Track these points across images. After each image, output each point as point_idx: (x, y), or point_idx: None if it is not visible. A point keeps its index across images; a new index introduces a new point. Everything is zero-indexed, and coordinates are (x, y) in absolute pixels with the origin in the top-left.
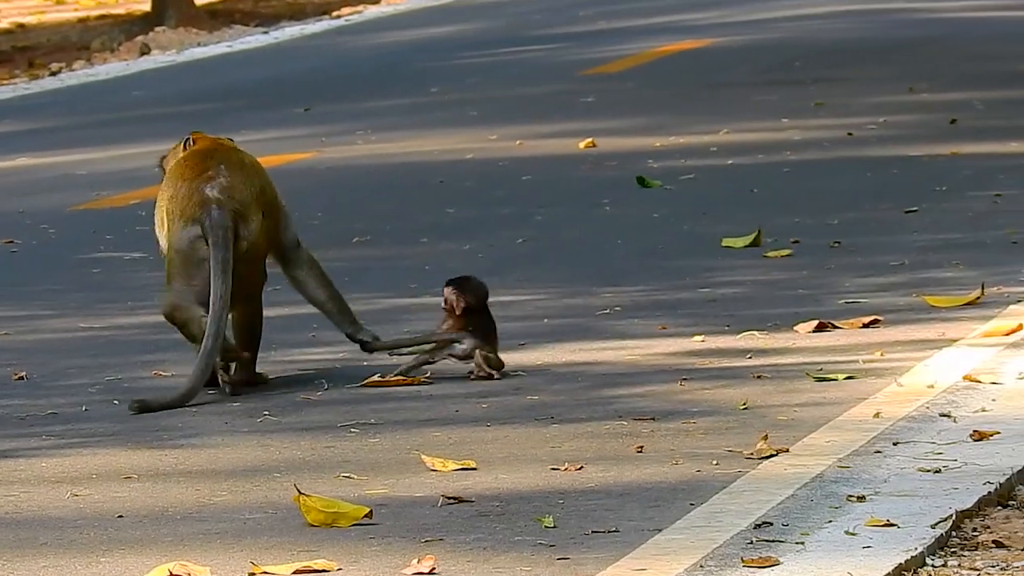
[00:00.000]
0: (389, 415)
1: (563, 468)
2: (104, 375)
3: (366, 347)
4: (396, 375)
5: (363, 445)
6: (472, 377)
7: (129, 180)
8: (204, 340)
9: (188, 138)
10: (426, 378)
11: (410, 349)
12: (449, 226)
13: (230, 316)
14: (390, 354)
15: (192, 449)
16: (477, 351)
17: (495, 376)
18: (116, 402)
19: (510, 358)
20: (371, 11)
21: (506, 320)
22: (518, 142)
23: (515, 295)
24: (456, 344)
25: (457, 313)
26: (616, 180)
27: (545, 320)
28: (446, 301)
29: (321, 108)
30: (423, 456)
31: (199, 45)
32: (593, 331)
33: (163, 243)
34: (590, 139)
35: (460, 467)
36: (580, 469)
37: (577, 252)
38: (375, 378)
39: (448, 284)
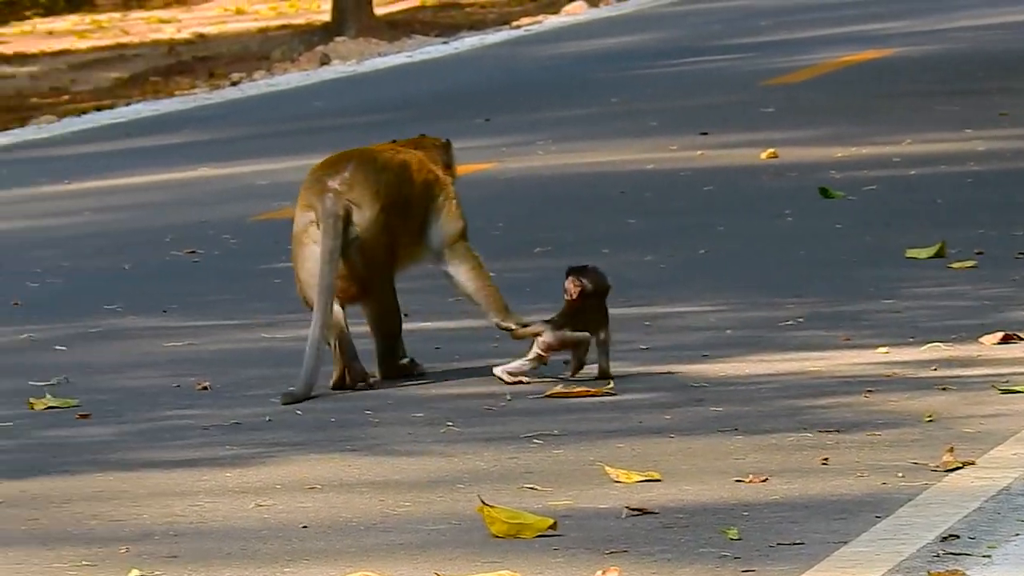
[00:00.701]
0: (572, 426)
1: (747, 480)
2: (286, 385)
3: (512, 334)
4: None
5: (547, 456)
6: (570, 376)
7: None
8: (311, 328)
9: (448, 142)
10: (609, 389)
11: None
12: (630, 237)
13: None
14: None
15: (376, 459)
16: (571, 342)
17: (585, 375)
18: (299, 412)
19: (693, 369)
20: (550, 21)
21: (687, 331)
22: (699, 152)
23: (696, 306)
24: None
25: (570, 298)
26: (798, 190)
27: (728, 331)
28: (565, 290)
29: (500, 119)
30: (607, 467)
31: (379, 55)
32: (775, 342)
33: None
34: (772, 149)
35: (644, 479)
36: (765, 481)
37: (759, 263)
38: (559, 388)
39: (569, 273)
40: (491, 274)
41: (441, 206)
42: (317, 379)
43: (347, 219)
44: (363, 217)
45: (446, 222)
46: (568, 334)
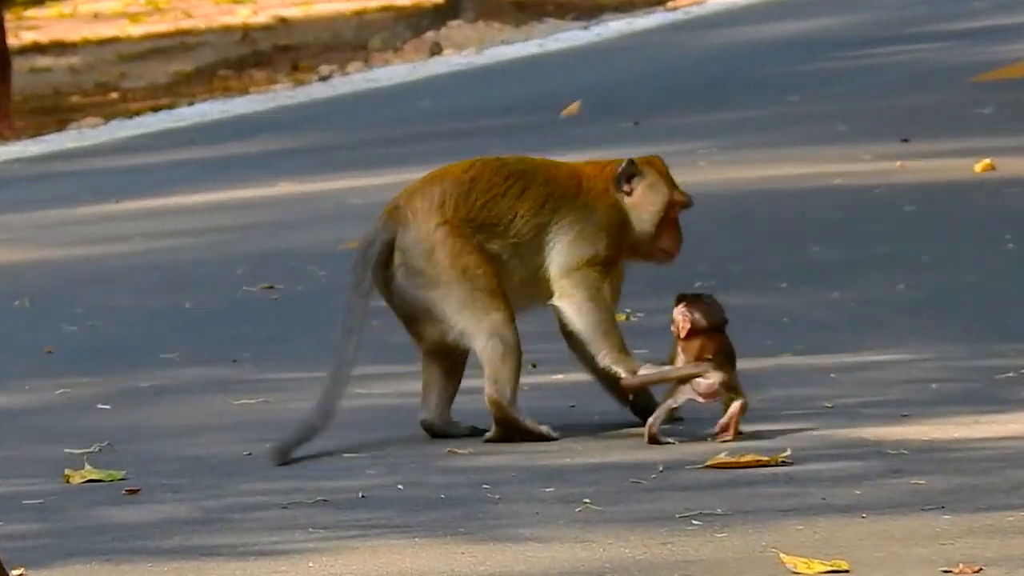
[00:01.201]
0: (739, 503)
1: (957, 570)
2: (385, 453)
3: (623, 385)
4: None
5: (708, 541)
6: (716, 433)
7: None
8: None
9: (628, 161)
10: (785, 457)
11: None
12: (813, 268)
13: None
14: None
15: (496, 545)
16: (723, 388)
17: (737, 432)
18: (400, 487)
19: (889, 433)
20: (713, 2)
21: (882, 386)
22: (898, 163)
23: (894, 354)
24: (699, 379)
25: (681, 336)
26: (1021, 211)
27: (933, 385)
28: (673, 322)
29: (654, 121)
30: (782, 554)
31: (503, 43)
32: (993, 399)
33: None
34: (987, 160)
35: (829, 569)
36: (979, 571)
37: (973, 300)
38: (722, 457)
39: (678, 302)
40: (613, 311)
41: (565, 229)
42: (316, 432)
43: (390, 243)
44: (409, 237)
45: (565, 248)
46: (734, 377)
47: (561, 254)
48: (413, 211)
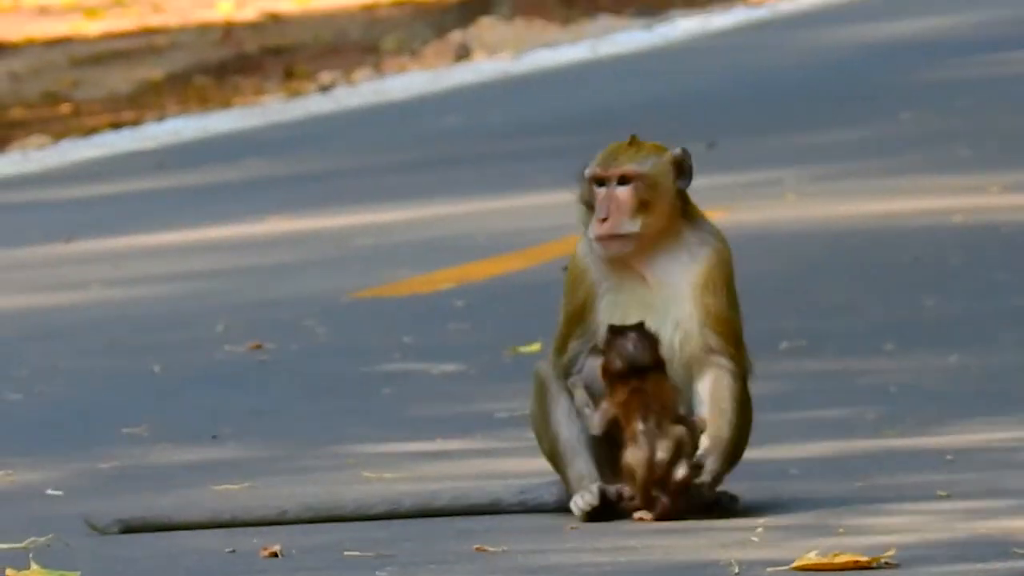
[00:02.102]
0: None
1: None
2: (396, 550)
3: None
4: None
5: None
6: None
7: (439, 252)
8: None
9: None
10: (889, 558)
11: None
12: (926, 326)
13: None
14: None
15: None
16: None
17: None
18: None
19: (1019, 527)
20: None
21: (1013, 469)
22: None
23: (1023, 431)
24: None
25: (606, 380)
26: None
27: None
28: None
29: (731, 143)
30: None
31: (546, 46)
32: None
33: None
34: None
35: None
36: None
37: None
38: (812, 558)
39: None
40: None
41: None
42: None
43: None
44: None
45: None
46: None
47: None
48: None
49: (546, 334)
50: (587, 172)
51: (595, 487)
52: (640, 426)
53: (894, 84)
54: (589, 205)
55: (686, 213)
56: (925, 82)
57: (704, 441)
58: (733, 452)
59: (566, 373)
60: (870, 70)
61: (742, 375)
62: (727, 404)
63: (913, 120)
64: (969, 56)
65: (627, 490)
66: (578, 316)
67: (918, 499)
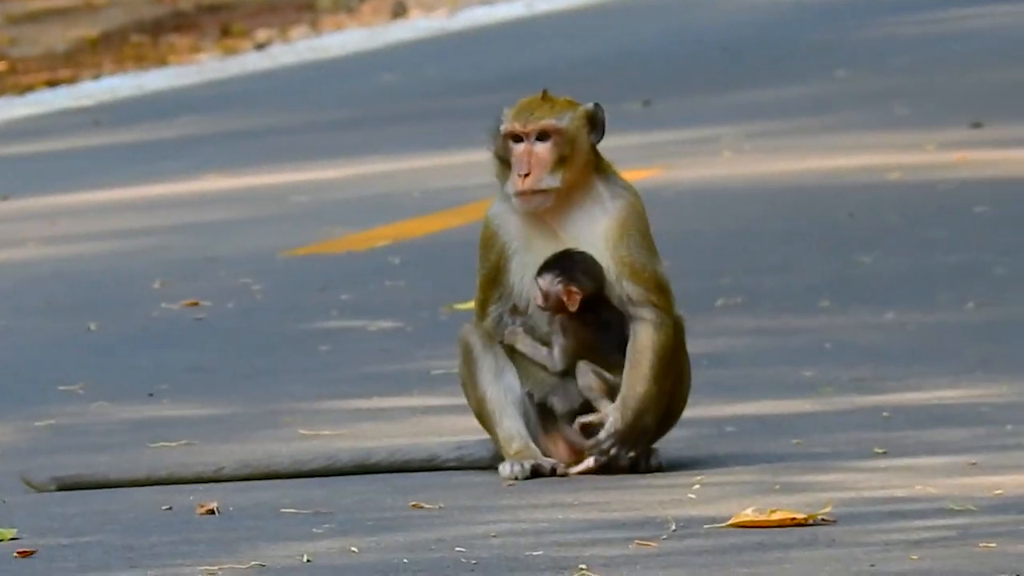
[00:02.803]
0: (769, 571)
1: None
2: (335, 508)
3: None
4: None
5: None
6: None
7: (375, 209)
8: None
9: None
10: (826, 514)
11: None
12: (863, 283)
13: None
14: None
15: None
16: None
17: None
18: (354, 550)
19: (955, 485)
20: None
21: (948, 427)
22: (962, 154)
23: (961, 388)
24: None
25: (571, 310)
26: None
27: (1008, 427)
28: (546, 298)
29: (667, 101)
30: None
31: (482, 3)
32: None
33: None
34: None
35: None
36: None
37: None
38: (748, 514)
39: (542, 271)
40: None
41: None
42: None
43: None
44: None
45: None
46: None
47: None
48: None
49: (475, 272)
50: (502, 128)
51: (528, 464)
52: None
53: (830, 42)
54: (504, 161)
55: (598, 167)
56: (861, 40)
57: (615, 403)
58: (656, 403)
59: (490, 335)
60: (806, 28)
61: (667, 324)
62: (644, 358)
63: (849, 78)
64: (905, 14)
65: (560, 466)
66: (493, 278)
67: (855, 456)
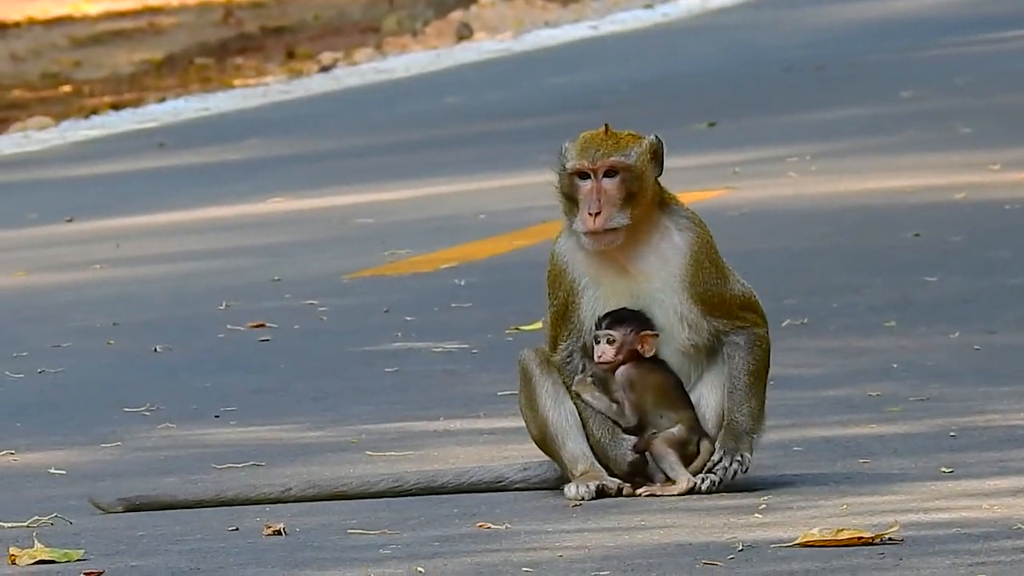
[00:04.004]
0: None
1: None
2: (401, 529)
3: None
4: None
5: None
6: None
7: (439, 231)
8: None
9: None
10: (893, 533)
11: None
12: (928, 303)
13: None
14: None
15: None
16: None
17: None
18: (420, 571)
19: (1022, 505)
20: None
21: (1017, 447)
22: (1022, 175)
23: None
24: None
25: (648, 355)
26: None
27: None
28: (617, 350)
29: (732, 122)
30: None
31: (547, 25)
32: None
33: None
34: None
35: None
36: None
37: None
38: (815, 534)
39: (613, 325)
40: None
41: None
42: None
43: None
44: None
45: None
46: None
47: None
48: None
49: (545, 309)
50: (567, 164)
51: (593, 485)
52: (658, 409)
53: (893, 62)
54: (568, 196)
55: (662, 200)
56: (925, 60)
57: (722, 432)
58: (760, 419)
59: (560, 372)
60: (870, 48)
61: (760, 338)
62: (741, 380)
63: (913, 98)
64: (968, 34)
65: (627, 487)
66: (563, 314)
67: (921, 477)
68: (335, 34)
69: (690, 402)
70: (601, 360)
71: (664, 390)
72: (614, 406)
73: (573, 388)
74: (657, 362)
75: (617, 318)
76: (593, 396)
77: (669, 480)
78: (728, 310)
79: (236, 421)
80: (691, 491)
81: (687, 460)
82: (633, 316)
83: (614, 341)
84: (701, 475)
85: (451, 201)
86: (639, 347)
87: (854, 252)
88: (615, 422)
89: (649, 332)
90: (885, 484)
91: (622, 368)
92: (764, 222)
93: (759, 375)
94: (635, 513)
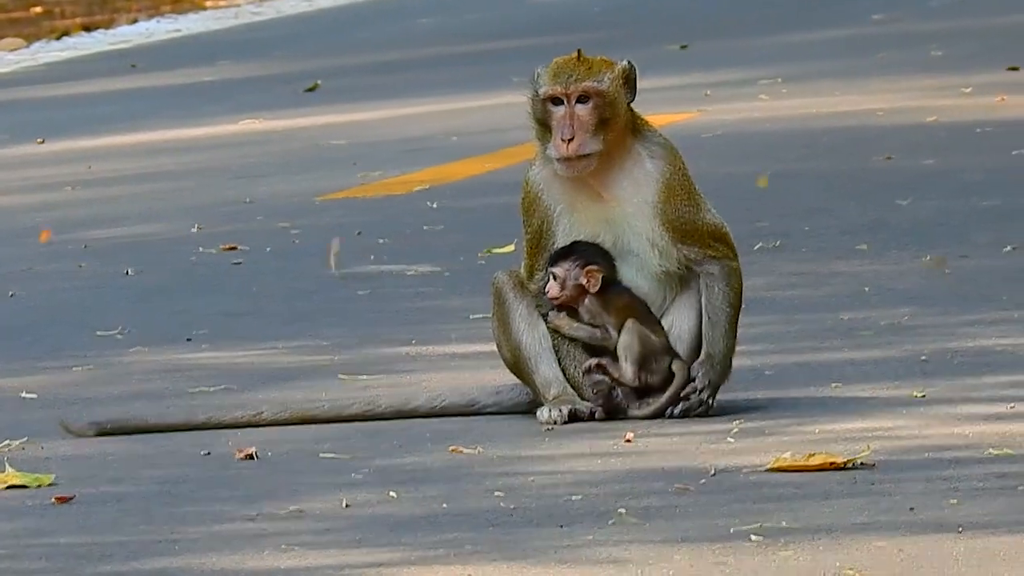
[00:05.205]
0: (807, 515)
1: None
2: (372, 453)
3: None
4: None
5: (768, 560)
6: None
7: (412, 153)
8: None
9: None
10: (865, 459)
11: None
12: (899, 226)
13: None
14: None
15: (512, 567)
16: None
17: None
18: (392, 495)
19: (993, 430)
20: None
21: (988, 371)
22: (999, 98)
23: (1000, 333)
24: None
25: (592, 292)
26: None
27: None
28: (562, 286)
29: (704, 44)
30: None
31: None
32: None
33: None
34: None
35: None
36: None
37: None
38: (787, 459)
39: (555, 262)
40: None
41: None
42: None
43: None
44: None
45: None
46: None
47: None
48: None
49: (521, 235)
50: (539, 90)
51: (565, 409)
52: (633, 331)
53: None
54: (541, 123)
55: (634, 126)
56: None
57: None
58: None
59: (523, 284)
60: None
61: (733, 269)
62: (721, 311)
63: (885, 20)
64: None
65: (600, 411)
66: (538, 242)
67: (893, 401)
68: None
69: (660, 324)
70: (549, 296)
71: (634, 311)
72: (597, 331)
73: (550, 323)
74: (622, 288)
75: (560, 254)
76: (572, 328)
77: (642, 403)
78: (699, 238)
79: (208, 344)
80: (664, 415)
81: (661, 381)
82: (581, 250)
83: (557, 278)
84: (674, 400)
85: (425, 122)
86: (584, 282)
87: (826, 175)
88: (602, 348)
89: (593, 267)
90: (857, 409)
91: (590, 298)
92: (736, 144)
93: (735, 306)
94: (607, 438)
